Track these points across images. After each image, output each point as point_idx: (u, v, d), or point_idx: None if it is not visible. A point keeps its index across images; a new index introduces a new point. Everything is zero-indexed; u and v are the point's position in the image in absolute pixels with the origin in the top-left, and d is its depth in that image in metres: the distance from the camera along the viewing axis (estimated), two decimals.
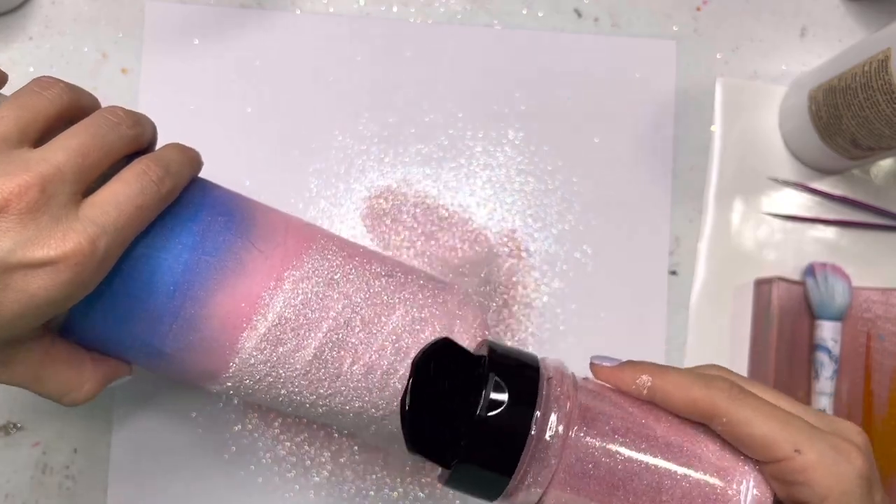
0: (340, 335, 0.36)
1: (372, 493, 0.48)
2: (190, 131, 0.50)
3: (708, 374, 0.31)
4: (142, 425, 0.47)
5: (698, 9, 0.53)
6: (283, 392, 0.37)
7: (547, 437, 0.29)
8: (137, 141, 0.33)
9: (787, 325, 0.49)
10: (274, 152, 0.50)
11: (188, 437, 0.47)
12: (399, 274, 0.38)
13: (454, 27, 0.52)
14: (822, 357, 0.48)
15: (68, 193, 0.29)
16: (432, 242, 0.50)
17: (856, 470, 0.29)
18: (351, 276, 0.37)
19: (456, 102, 0.51)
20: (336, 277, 0.36)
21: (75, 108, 0.32)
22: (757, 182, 0.52)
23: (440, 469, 0.31)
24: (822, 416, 0.31)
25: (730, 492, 0.30)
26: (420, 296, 0.38)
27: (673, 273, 0.51)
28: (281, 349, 0.35)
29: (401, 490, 0.48)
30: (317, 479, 0.48)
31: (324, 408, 0.37)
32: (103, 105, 0.34)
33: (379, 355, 0.37)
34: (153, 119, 0.35)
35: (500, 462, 0.29)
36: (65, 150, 0.30)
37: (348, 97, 0.51)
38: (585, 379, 0.32)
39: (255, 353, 0.35)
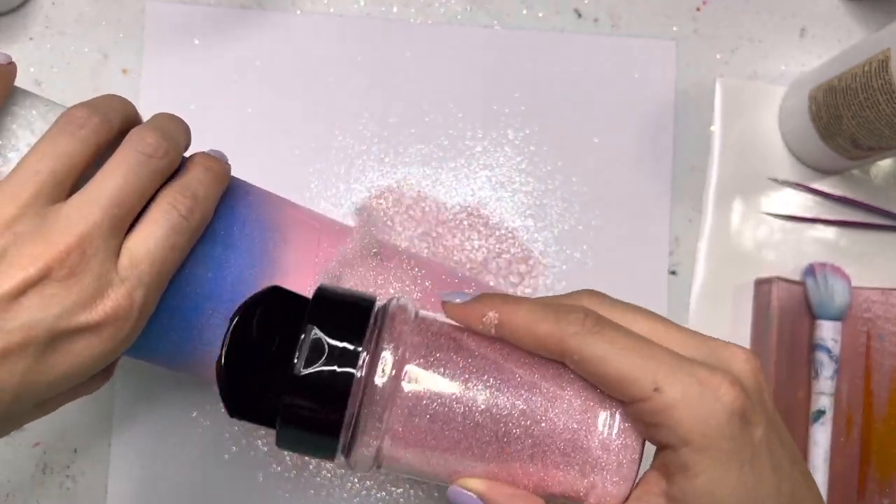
0: None
1: (373, 492, 0.48)
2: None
3: (563, 305, 0.28)
4: (142, 425, 0.47)
5: (698, 9, 0.53)
6: None
7: (377, 382, 0.27)
8: (170, 168, 0.32)
9: (787, 325, 0.49)
10: (274, 152, 0.50)
11: (189, 437, 0.47)
12: None
13: (454, 27, 0.52)
14: (822, 357, 0.48)
15: (107, 248, 0.29)
16: (432, 243, 0.50)
17: (724, 407, 0.25)
18: None
19: (456, 102, 0.51)
20: None
21: (110, 140, 0.31)
22: (757, 182, 0.52)
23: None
24: (704, 343, 0.28)
25: (590, 437, 0.27)
26: None
27: (673, 273, 0.51)
28: None
29: (401, 489, 0.48)
30: (317, 478, 0.48)
31: None
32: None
33: None
34: None
35: (323, 420, 0.26)
36: (100, 203, 0.29)
37: (348, 97, 0.51)
38: (435, 320, 0.29)
39: None
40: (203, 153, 0.34)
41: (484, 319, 0.28)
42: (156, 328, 0.32)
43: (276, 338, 0.27)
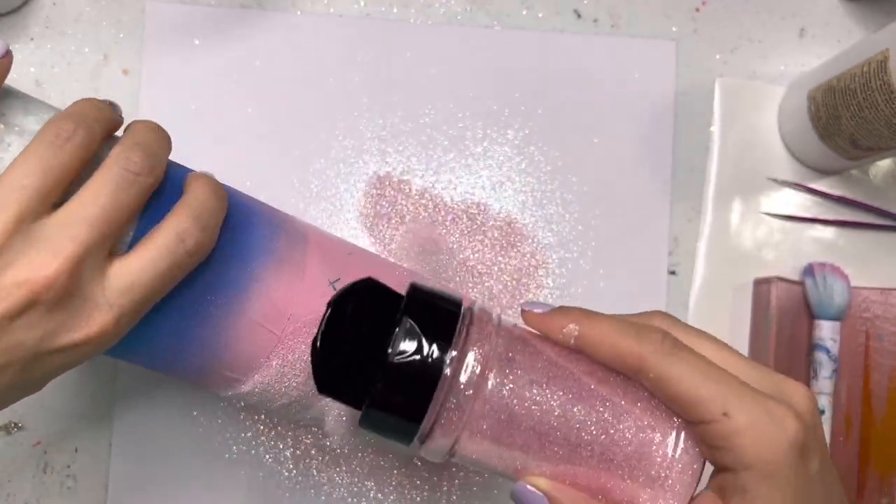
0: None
1: (372, 493, 0.48)
2: (191, 132, 0.50)
3: (642, 325, 0.29)
4: (143, 424, 0.47)
5: (697, 9, 0.54)
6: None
7: (462, 379, 0.28)
8: (156, 184, 0.31)
9: (786, 324, 0.49)
10: (274, 152, 0.50)
11: (189, 437, 0.48)
12: None
13: (454, 28, 0.52)
14: (821, 357, 0.48)
15: (95, 269, 0.29)
16: (432, 243, 0.50)
17: (787, 437, 0.27)
18: None
19: (456, 102, 0.52)
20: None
21: (95, 152, 0.30)
22: (756, 182, 0.52)
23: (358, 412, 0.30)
24: (768, 375, 0.29)
25: (655, 451, 0.28)
26: None
27: (672, 273, 0.51)
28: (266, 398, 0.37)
29: (393, 496, 0.48)
30: (317, 477, 0.48)
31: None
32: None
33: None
34: (154, 119, 0.33)
35: (410, 407, 0.28)
36: (88, 221, 0.28)
37: (348, 97, 0.51)
38: (515, 325, 0.31)
39: (245, 397, 0.37)
40: (206, 176, 0.33)
41: (564, 331, 0.29)
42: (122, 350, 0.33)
43: (369, 325, 0.29)
